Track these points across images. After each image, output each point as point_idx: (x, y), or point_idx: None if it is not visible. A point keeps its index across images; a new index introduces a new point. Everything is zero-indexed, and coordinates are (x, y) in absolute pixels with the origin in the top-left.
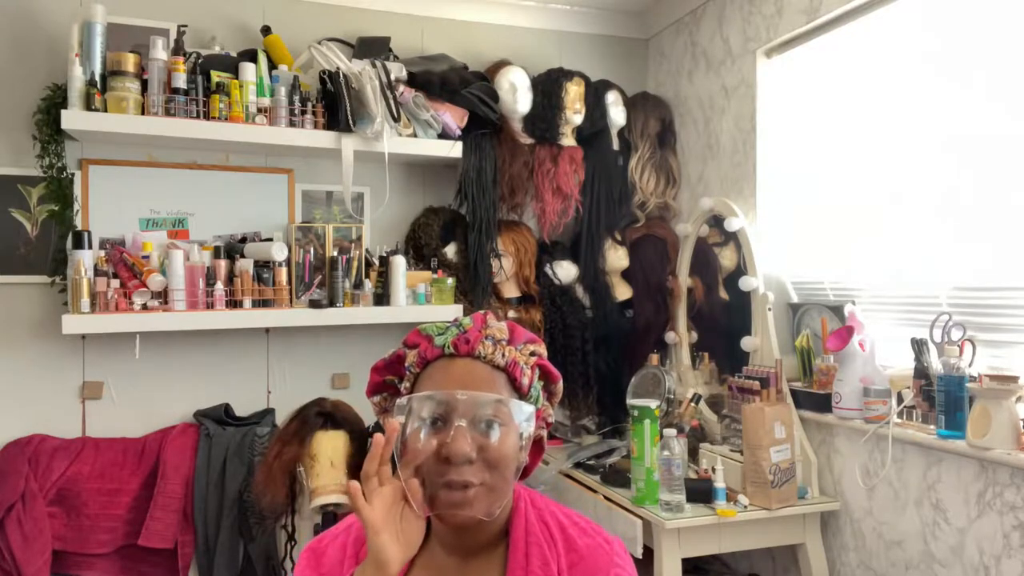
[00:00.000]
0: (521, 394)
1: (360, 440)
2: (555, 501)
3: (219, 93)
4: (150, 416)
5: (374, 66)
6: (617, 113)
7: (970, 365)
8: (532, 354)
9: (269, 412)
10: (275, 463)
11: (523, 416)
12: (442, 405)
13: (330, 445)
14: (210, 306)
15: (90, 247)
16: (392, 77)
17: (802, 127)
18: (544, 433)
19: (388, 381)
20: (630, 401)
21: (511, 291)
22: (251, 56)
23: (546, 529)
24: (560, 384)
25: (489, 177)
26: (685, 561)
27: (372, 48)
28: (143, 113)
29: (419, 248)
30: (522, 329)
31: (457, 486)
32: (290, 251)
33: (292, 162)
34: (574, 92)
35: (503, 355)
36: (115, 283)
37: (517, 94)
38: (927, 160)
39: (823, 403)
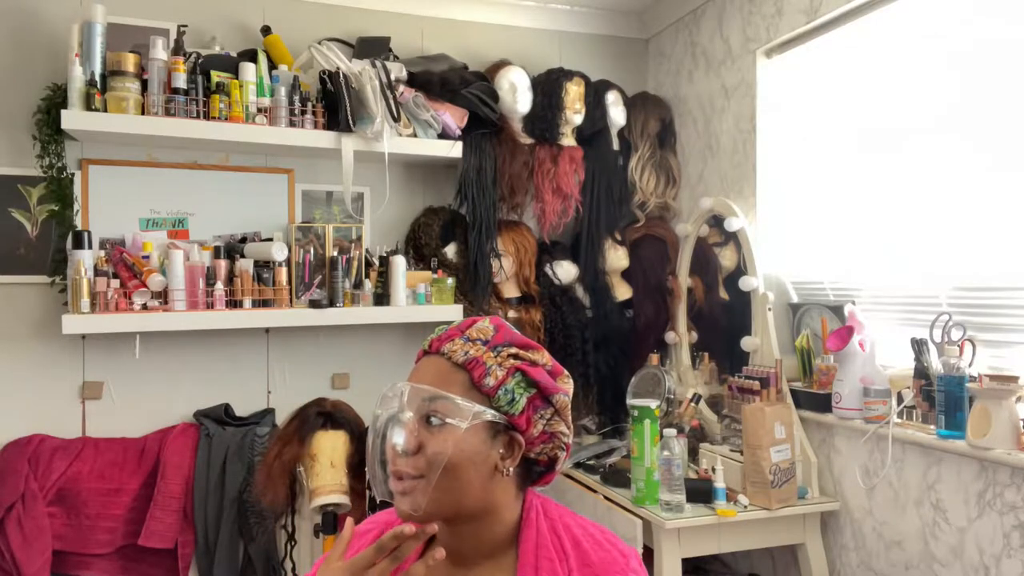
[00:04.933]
0: (486, 395)
1: (360, 440)
2: (569, 509)
3: (219, 93)
4: (150, 416)
5: (374, 66)
6: (617, 113)
7: (970, 365)
8: (513, 356)
9: (269, 412)
10: (275, 463)
11: (473, 415)
12: (394, 397)
13: (330, 445)
14: (210, 306)
15: (90, 247)
16: (392, 77)
17: (802, 127)
18: (544, 448)
19: None
20: (630, 401)
21: (511, 291)
22: (251, 56)
23: (558, 541)
24: (559, 397)
25: (489, 177)
26: (685, 561)
27: (372, 48)
28: (143, 113)
29: (419, 248)
30: (513, 333)
31: (394, 476)
32: (290, 251)
33: (292, 162)
34: (574, 92)
35: (465, 353)
36: (115, 283)
37: (517, 94)
38: (927, 159)
39: (823, 403)
